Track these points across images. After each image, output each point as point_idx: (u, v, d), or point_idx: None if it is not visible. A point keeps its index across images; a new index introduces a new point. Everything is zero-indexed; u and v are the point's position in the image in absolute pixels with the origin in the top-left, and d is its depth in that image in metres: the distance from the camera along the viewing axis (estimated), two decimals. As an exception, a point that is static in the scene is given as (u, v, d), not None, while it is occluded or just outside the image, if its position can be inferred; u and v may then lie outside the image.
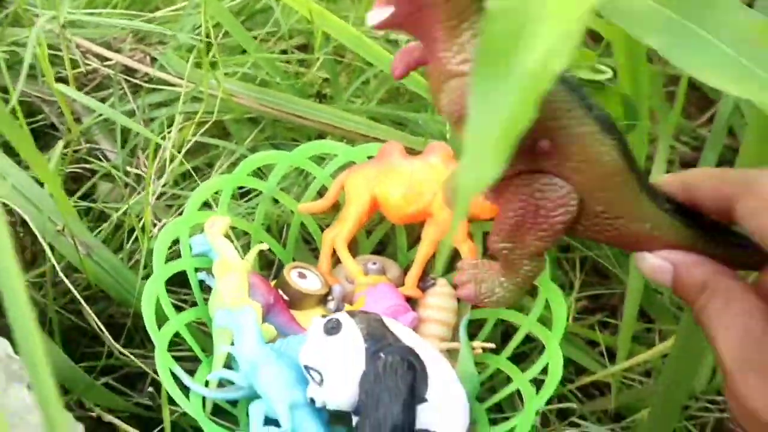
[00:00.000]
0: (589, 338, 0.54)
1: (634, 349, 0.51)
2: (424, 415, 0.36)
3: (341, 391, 0.36)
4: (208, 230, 0.45)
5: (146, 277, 0.43)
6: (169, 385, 0.39)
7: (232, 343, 0.41)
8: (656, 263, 0.30)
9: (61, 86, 0.43)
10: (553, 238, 0.32)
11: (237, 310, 0.42)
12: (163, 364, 0.40)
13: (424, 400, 0.35)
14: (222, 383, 0.42)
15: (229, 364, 0.43)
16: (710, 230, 0.31)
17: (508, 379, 0.45)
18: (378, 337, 0.36)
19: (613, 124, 0.30)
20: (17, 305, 0.21)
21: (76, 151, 0.53)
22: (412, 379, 0.35)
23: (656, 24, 0.31)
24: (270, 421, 0.39)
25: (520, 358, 0.49)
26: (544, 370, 0.43)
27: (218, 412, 0.42)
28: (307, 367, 0.37)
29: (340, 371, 0.36)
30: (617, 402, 0.50)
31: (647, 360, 0.49)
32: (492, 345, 0.46)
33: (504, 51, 0.26)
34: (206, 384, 0.42)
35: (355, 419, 0.36)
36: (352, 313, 0.38)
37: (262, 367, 0.39)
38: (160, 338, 0.40)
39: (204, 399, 0.41)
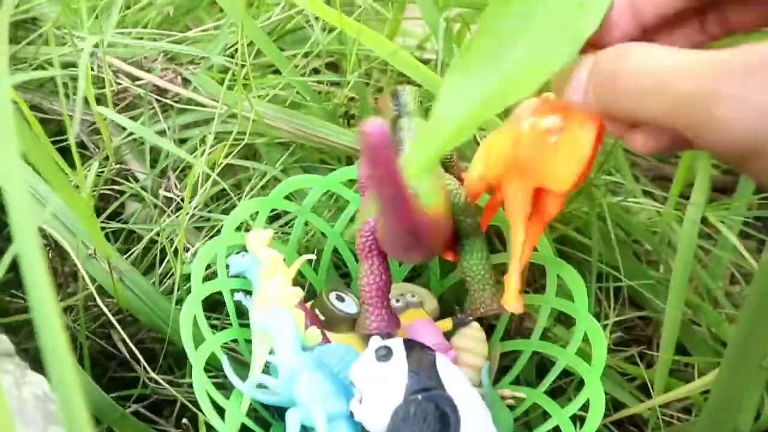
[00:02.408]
0: (624, 371, 0.53)
1: (671, 384, 0.49)
2: None
3: (374, 416, 0.36)
4: (251, 240, 0.44)
5: (179, 302, 0.42)
6: (206, 407, 0.38)
7: (271, 351, 0.40)
8: None
9: (102, 108, 0.43)
10: None
11: (278, 313, 0.41)
12: (200, 385, 0.38)
13: None
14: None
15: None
16: None
17: (545, 414, 0.44)
18: (422, 377, 0.36)
19: None
20: (54, 348, 0.20)
21: (103, 172, 0.52)
22: (441, 430, 0.34)
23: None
24: (306, 430, 0.38)
25: (555, 391, 0.47)
26: (583, 406, 0.42)
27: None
28: (352, 383, 0.38)
29: (378, 398, 0.36)
30: (655, 439, 0.49)
31: (686, 396, 0.48)
32: (522, 395, 0.45)
33: (496, 45, 0.29)
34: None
35: None
36: (407, 344, 0.37)
37: (301, 376, 0.38)
38: (197, 358, 0.39)
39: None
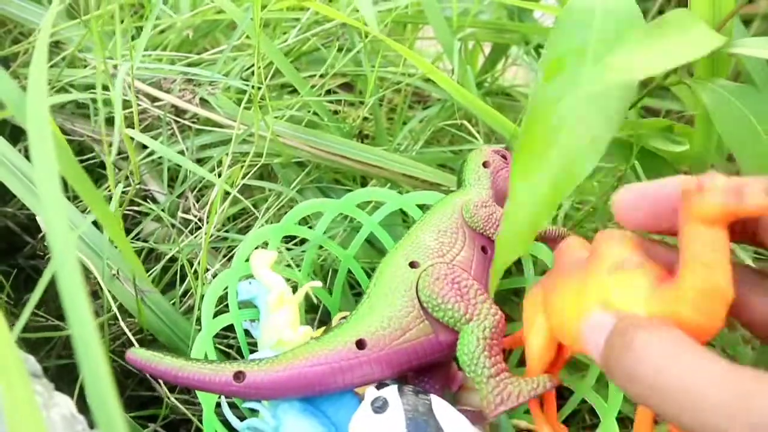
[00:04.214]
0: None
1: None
2: None
3: None
4: (255, 265, 0.44)
5: (198, 322, 0.42)
6: None
7: None
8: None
9: (130, 131, 0.43)
10: None
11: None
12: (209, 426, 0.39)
13: None
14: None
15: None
16: None
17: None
18: (420, 425, 0.35)
19: None
20: (96, 374, 0.20)
21: (125, 192, 0.53)
22: None
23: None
24: None
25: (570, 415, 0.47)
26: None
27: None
28: None
29: None
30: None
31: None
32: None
33: (539, 152, 0.31)
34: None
35: None
36: (402, 391, 0.37)
37: (286, 421, 0.39)
38: (206, 402, 0.39)
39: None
